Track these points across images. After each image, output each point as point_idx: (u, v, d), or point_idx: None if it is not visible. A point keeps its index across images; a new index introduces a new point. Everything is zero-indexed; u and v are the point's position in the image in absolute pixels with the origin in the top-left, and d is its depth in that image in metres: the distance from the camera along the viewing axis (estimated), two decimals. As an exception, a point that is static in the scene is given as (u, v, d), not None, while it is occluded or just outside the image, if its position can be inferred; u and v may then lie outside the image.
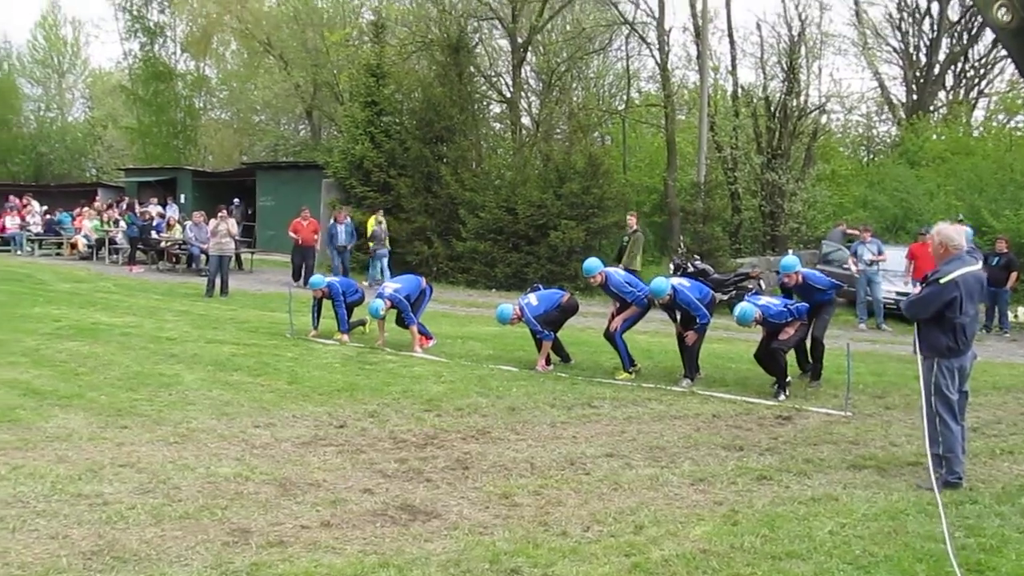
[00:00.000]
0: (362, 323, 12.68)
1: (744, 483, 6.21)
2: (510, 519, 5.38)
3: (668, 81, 26.17)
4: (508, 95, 27.91)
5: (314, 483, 5.95)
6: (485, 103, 28.32)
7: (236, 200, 27.47)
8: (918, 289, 6.44)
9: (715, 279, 17.66)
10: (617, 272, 10.69)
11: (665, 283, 9.62)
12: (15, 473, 5.89)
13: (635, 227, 17.13)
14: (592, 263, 10.38)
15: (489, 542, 4.97)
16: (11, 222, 27.70)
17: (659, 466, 6.58)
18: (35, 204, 29.25)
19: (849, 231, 19.52)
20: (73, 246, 26.48)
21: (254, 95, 40.55)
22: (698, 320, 9.55)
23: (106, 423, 7.30)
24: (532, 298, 10.41)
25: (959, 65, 30.80)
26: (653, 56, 27.76)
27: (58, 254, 26.87)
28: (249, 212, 29.44)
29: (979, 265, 6.37)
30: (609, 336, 10.20)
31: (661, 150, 27.58)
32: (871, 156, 31.52)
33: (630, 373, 9.99)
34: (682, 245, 19.94)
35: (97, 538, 4.84)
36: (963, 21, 29.26)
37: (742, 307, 9.16)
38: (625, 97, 32.00)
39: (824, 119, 28.64)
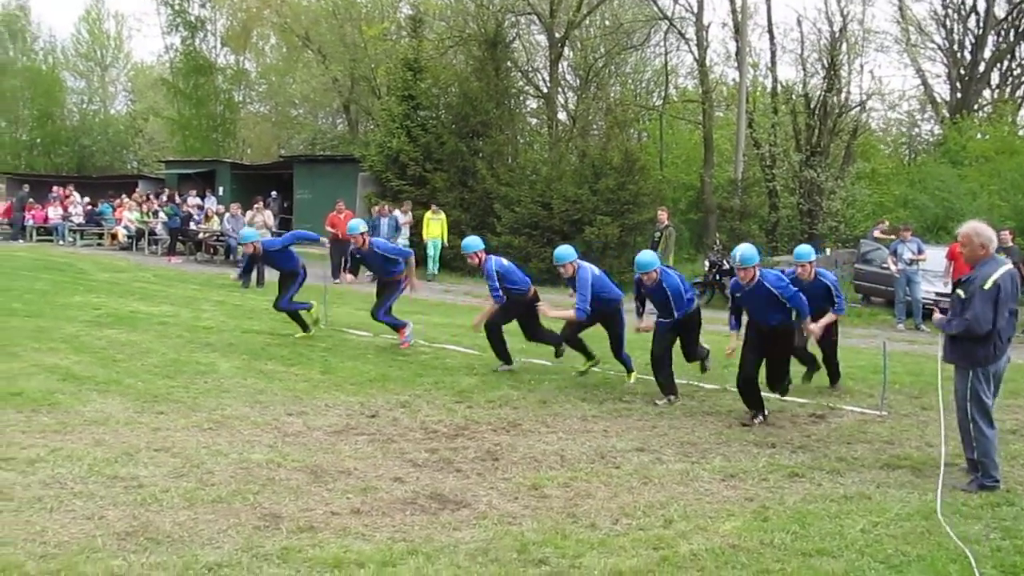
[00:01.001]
0: (307, 306, 11.52)
1: (775, 480, 6.15)
2: (539, 510, 5.38)
3: (706, 77, 26.02)
4: (545, 90, 27.92)
5: (345, 471, 6.00)
6: (521, 98, 28.36)
7: (273, 193, 27.71)
8: (938, 292, 6.30)
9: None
10: (592, 268, 9.27)
11: (653, 257, 8.69)
12: (54, 455, 6.00)
13: (666, 222, 17.04)
14: (564, 251, 9.22)
15: (517, 532, 4.98)
16: (54, 213, 28.17)
17: (690, 461, 6.55)
18: (77, 195, 29.72)
19: (879, 235, 19.28)
20: (113, 236, 26.89)
21: (292, 89, 40.95)
22: (675, 312, 8.57)
23: (142, 408, 7.41)
24: (504, 260, 9.99)
25: (1005, 63, 30.22)
26: (691, 52, 27.65)
27: (99, 244, 27.29)
28: (286, 205, 29.67)
29: (1011, 264, 6.25)
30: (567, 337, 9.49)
31: (698, 147, 27.44)
32: (912, 155, 31.09)
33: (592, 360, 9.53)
34: (718, 242, 19.80)
35: (132, 519, 4.92)
36: (1010, 18, 28.71)
37: (745, 248, 7.92)
38: (663, 93, 31.85)
39: (865, 117, 28.36)
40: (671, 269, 9.25)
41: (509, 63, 26.13)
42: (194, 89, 40.70)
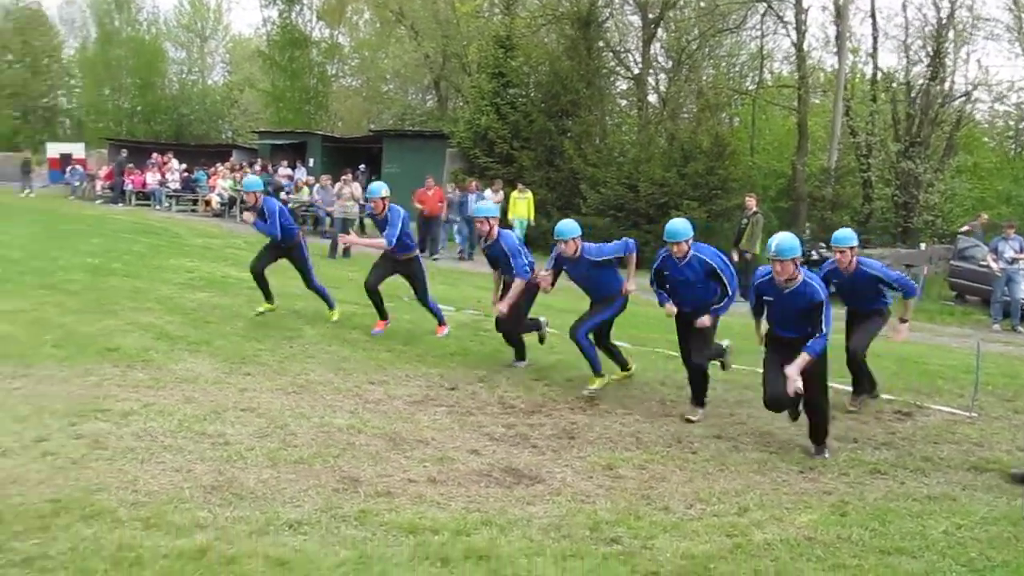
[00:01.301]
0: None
1: (856, 475, 6.02)
2: (613, 490, 5.39)
3: (804, 62, 25.39)
4: (636, 71, 27.61)
5: (423, 440, 6.10)
6: (612, 79, 28.13)
7: (362, 166, 28.13)
8: None
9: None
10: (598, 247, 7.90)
11: (688, 227, 7.20)
12: (146, 410, 6.25)
13: (754, 209, 16.72)
14: (568, 225, 7.81)
15: (591, 510, 5.00)
16: (152, 178, 29.12)
17: (768, 451, 6.46)
18: (175, 162, 30.66)
19: (966, 230, 18.60)
20: (207, 203, 27.68)
21: (384, 64, 41.44)
22: (729, 287, 7.17)
23: (230, 369, 7.65)
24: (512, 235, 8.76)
25: (1124, 55, 28.70)
26: (789, 36, 26.97)
27: (193, 210, 28.13)
28: (374, 178, 30.08)
29: None
30: (573, 335, 7.83)
31: (791, 133, 26.85)
32: (1019, 149, 29.80)
33: (602, 376, 7.86)
34: (808, 232, 19.37)
35: (218, 474, 5.10)
36: None
37: (784, 236, 6.27)
38: (757, 77, 31.18)
39: (969, 108, 27.24)
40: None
41: (601, 43, 25.94)
42: (289, 62, 41.48)
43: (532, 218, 20.67)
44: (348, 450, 5.74)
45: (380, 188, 9.64)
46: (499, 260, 8.55)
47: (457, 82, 35.90)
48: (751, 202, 16.91)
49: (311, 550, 4.22)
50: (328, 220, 21.00)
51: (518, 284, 8.26)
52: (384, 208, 9.45)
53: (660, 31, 27.53)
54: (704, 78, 28.91)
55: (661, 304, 7.47)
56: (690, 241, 7.16)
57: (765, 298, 6.38)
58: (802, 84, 25.02)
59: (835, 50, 25.48)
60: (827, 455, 6.39)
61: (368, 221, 23.69)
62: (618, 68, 28.31)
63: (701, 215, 20.20)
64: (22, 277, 11.77)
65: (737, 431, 6.94)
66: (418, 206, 19.91)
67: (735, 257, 15.66)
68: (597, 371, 7.79)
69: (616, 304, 7.84)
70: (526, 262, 8.32)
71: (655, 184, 21.06)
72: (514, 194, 20.74)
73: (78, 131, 51.91)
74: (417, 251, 9.75)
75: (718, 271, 7.15)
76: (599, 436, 6.53)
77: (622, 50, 28.77)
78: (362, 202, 20.43)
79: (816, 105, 27.76)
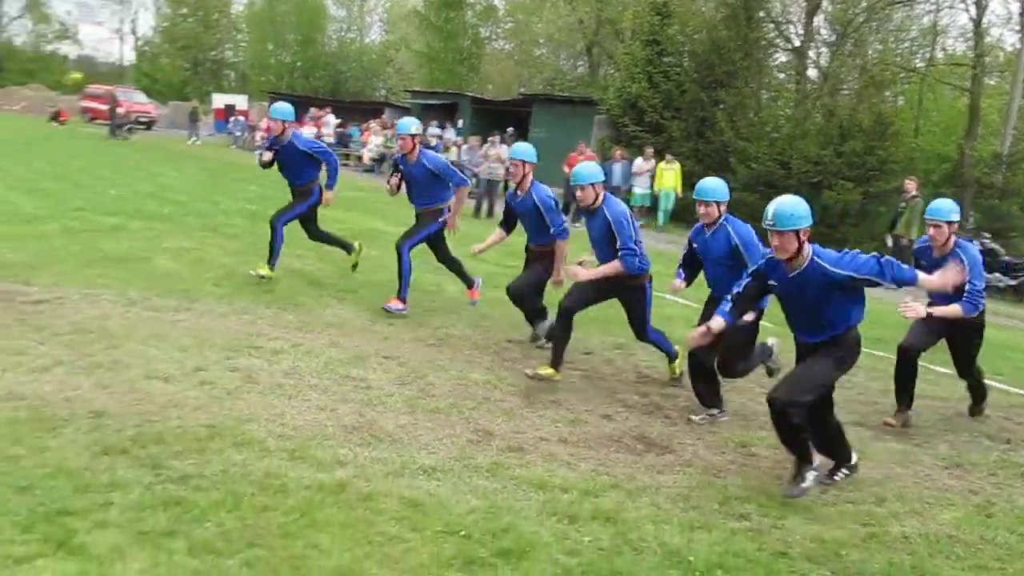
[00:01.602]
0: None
1: (1006, 476, 5.71)
2: (745, 467, 5.32)
3: (981, 39, 23.91)
4: (796, 44, 26.62)
5: (556, 401, 6.17)
6: (770, 50, 27.21)
7: (510, 129, 28.31)
8: None
9: (1004, 261, 16.26)
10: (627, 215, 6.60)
11: (720, 185, 6.13)
12: (295, 350, 6.56)
13: (914, 193, 15.88)
14: (588, 168, 6.66)
15: (721, 485, 4.95)
16: (308, 132, 30.20)
17: (912, 444, 6.20)
18: (331, 117, 31.66)
19: None
20: (359, 158, 28.53)
21: (538, 28, 41.48)
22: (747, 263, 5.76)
23: (374, 318, 7.93)
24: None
25: None
26: (967, 11, 25.43)
27: (345, 164, 28.97)
28: (510, 139, 30.21)
29: None
30: (642, 337, 7.03)
31: (960, 115, 25.35)
32: None
33: (679, 357, 7.05)
34: (971, 220, 18.30)
35: (359, 416, 5.32)
36: None
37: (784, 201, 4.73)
38: (927, 54, 29.55)
39: None
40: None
41: (762, 13, 25.12)
42: (444, 23, 42.12)
43: (679, 190, 20.30)
44: (483, 404, 5.88)
45: (410, 124, 8.48)
46: (527, 216, 7.48)
47: (610, 48, 35.59)
48: (911, 185, 16.07)
49: (443, 495, 4.36)
50: (474, 180, 21.26)
51: (560, 246, 7.29)
52: (414, 148, 8.32)
53: (825, 2, 26.43)
54: (870, 53, 27.57)
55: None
56: (722, 206, 6.06)
57: (770, 283, 5.05)
58: (978, 63, 23.54)
59: (1017, 28, 23.87)
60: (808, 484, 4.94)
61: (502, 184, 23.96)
62: (778, 40, 27.36)
63: (856, 196, 19.45)
64: (186, 219, 12.50)
65: (879, 420, 6.69)
66: (566, 170, 19.88)
67: (889, 243, 15.02)
68: (672, 354, 7.08)
69: (648, 289, 7.00)
70: (563, 220, 7.38)
71: (809, 162, 20.34)
72: (661, 165, 20.43)
73: (242, 83, 54.50)
74: (440, 205, 8.57)
75: (741, 250, 5.95)
76: (734, 412, 6.43)
77: (783, 21, 27.77)
78: (507, 164, 20.65)
79: (991, 86, 26.13)
